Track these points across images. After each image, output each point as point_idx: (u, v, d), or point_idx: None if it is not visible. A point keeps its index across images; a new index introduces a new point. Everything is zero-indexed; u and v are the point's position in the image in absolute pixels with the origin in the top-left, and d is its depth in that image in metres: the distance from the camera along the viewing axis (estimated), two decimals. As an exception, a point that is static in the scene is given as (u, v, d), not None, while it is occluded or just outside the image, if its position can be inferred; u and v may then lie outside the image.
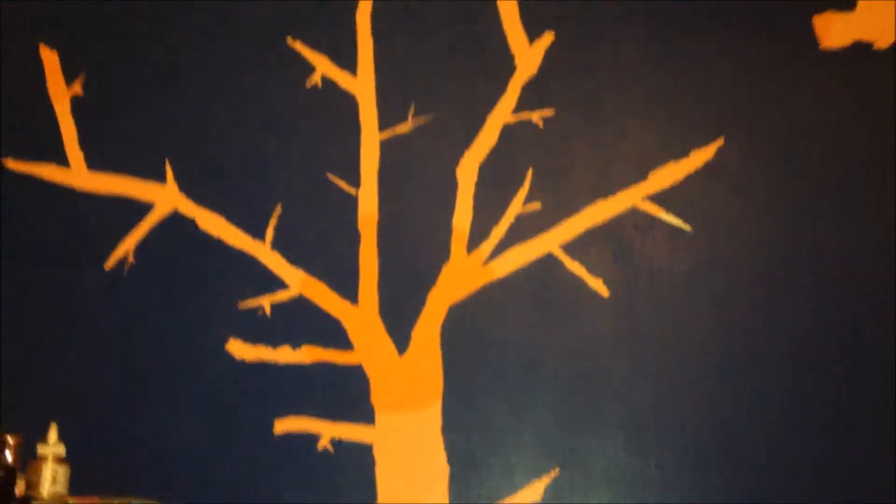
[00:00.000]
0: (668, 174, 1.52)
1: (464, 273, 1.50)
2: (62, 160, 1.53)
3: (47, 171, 1.53)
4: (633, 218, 1.52)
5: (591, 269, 1.50)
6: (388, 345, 1.48)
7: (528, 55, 1.58)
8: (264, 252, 1.51)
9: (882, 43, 1.54)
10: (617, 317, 1.48)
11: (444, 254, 1.51)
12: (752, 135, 1.52)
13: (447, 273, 1.50)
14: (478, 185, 1.54)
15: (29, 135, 1.53)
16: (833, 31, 1.55)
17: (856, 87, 1.52)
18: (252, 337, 1.48)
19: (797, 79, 1.53)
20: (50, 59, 1.56)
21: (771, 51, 1.54)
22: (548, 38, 1.58)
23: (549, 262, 1.51)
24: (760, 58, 1.54)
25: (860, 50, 1.54)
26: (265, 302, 1.49)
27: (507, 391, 1.46)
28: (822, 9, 1.55)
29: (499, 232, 1.52)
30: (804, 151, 1.51)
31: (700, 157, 1.53)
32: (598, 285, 1.50)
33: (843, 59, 1.53)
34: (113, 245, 1.51)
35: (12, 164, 1.53)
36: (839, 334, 1.44)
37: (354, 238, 1.51)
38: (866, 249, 1.47)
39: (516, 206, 1.53)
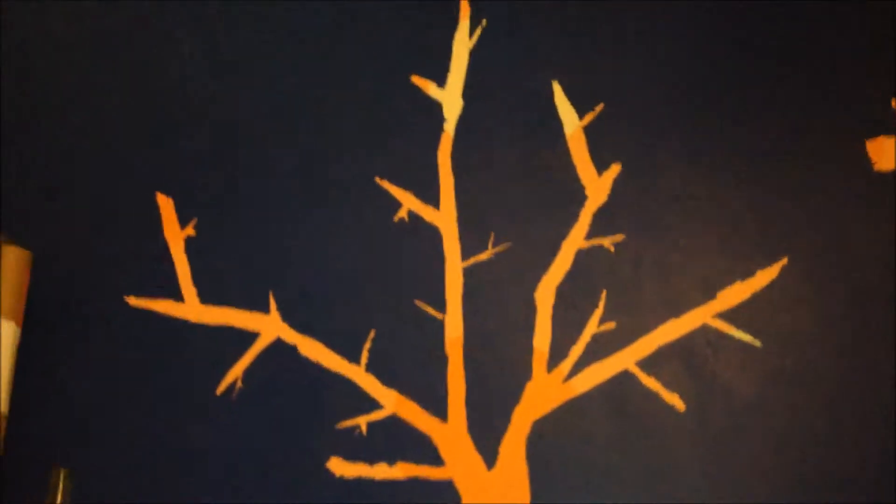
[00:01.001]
0: (736, 293, 1.61)
1: (545, 391, 1.59)
2: (178, 296, 1.68)
3: (164, 307, 1.68)
4: (705, 335, 1.60)
5: (667, 385, 1.58)
6: (477, 460, 1.57)
7: (597, 185, 1.70)
8: (360, 374, 1.62)
9: (933, 164, 1.64)
10: (694, 430, 1.55)
11: (526, 373, 1.61)
12: (814, 255, 1.61)
13: (530, 391, 1.60)
14: (555, 307, 1.65)
15: (148, 273, 1.69)
16: (886, 154, 1.65)
17: (910, 205, 1.62)
18: (351, 455, 1.58)
19: (850, 200, 1.63)
20: (166, 205, 1.74)
21: (826, 174, 1.64)
22: (615, 169, 1.71)
23: (625, 378, 1.59)
24: (814, 182, 1.64)
25: (912, 171, 1.64)
26: (362, 421, 1.60)
27: (582, 497, 1.53)
28: (873, 134, 1.66)
29: (577, 351, 1.62)
30: (860, 268, 1.59)
31: (765, 276, 1.62)
32: (674, 399, 1.57)
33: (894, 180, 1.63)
34: (223, 372, 1.64)
35: (133, 302, 1.69)
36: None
37: (442, 360, 1.62)
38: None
39: (592, 326, 1.63)
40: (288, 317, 1.66)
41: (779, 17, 1.72)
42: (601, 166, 1.72)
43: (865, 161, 1.64)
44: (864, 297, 1.58)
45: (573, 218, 1.69)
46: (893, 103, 1.66)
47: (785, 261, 1.61)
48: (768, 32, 1.72)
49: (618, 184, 1.70)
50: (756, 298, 1.61)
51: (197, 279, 1.69)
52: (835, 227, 1.61)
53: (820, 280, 1.59)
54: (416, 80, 1.78)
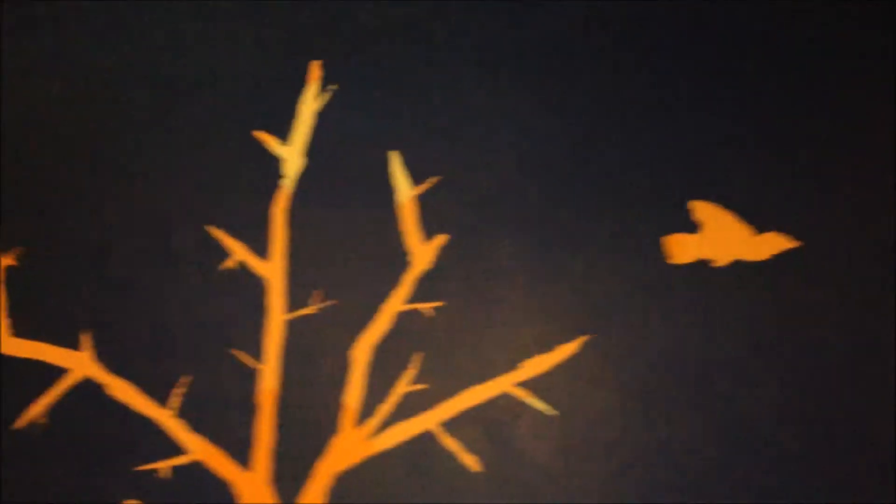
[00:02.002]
0: (537, 364, 1.73)
1: (350, 446, 1.65)
2: (-10, 325, 1.67)
3: (-25, 334, 1.67)
4: (506, 401, 1.70)
5: (466, 447, 1.67)
6: (277, 510, 1.61)
7: (423, 252, 1.80)
8: (168, 419, 1.65)
9: (721, 261, 1.81)
10: (488, 491, 1.64)
11: (334, 427, 1.67)
12: (612, 334, 1.74)
13: (335, 445, 1.65)
14: (370, 365, 1.72)
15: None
16: (683, 249, 1.82)
17: (699, 299, 1.77)
18: (149, 498, 1.59)
19: (649, 289, 1.78)
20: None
21: (627, 265, 1.79)
22: (441, 239, 1.81)
23: (427, 438, 1.67)
24: (618, 271, 1.79)
25: (703, 267, 1.80)
26: (164, 465, 1.62)
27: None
28: (671, 231, 1.82)
29: (385, 409, 1.69)
30: (654, 351, 1.73)
31: (566, 350, 1.74)
32: (471, 461, 1.66)
33: (688, 273, 1.79)
34: (26, 405, 1.63)
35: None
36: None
37: (254, 409, 1.66)
38: (716, 443, 1.67)
39: (402, 386, 1.71)
40: (101, 356, 1.67)
41: (600, 98, 1.88)
42: (428, 235, 1.81)
43: (660, 253, 1.80)
44: (655, 377, 1.71)
45: (396, 282, 1.77)
46: (689, 206, 1.83)
47: (586, 337, 1.74)
48: (586, 119, 1.88)
49: (442, 253, 1.80)
50: (556, 371, 1.72)
51: (14, 310, 1.68)
52: (633, 312, 1.75)
53: (617, 358, 1.72)
54: (259, 134, 1.84)
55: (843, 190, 1.87)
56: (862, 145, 1.90)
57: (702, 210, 1.85)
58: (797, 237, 1.82)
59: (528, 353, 1.73)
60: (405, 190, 1.84)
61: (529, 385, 1.71)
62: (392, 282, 1.78)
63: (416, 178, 1.85)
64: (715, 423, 1.68)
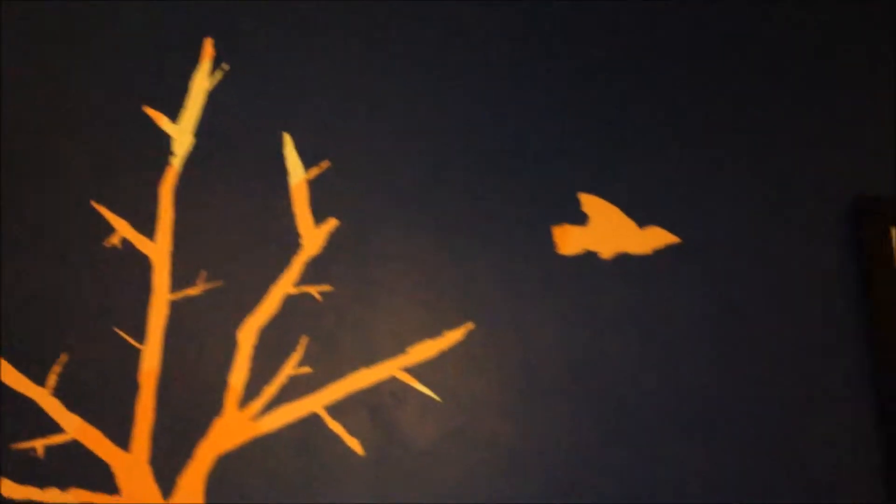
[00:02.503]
0: (424, 350, 1.75)
1: (234, 427, 1.65)
2: None
3: None
4: (391, 386, 1.72)
5: (350, 430, 1.68)
6: (154, 491, 1.59)
7: (313, 236, 1.80)
8: (44, 397, 1.61)
9: (606, 253, 1.87)
10: (371, 475, 1.66)
11: (217, 409, 1.66)
12: (499, 323, 1.78)
13: (218, 427, 1.64)
14: (256, 347, 1.71)
15: None
16: (569, 240, 1.87)
17: (582, 289, 1.83)
18: (22, 478, 1.55)
19: (537, 278, 1.82)
20: None
21: (515, 254, 1.83)
22: (332, 223, 1.81)
23: (312, 421, 1.68)
24: (506, 259, 1.83)
25: (590, 257, 1.85)
26: (38, 444, 1.58)
27: (261, 539, 1.59)
28: (560, 221, 1.87)
29: (270, 391, 1.68)
30: (538, 340, 1.78)
31: (452, 337, 1.77)
32: (354, 444, 1.67)
33: (575, 264, 1.84)
34: None
35: None
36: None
37: (134, 390, 1.64)
38: (593, 433, 1.72)
39: (288, 368, 1.70)
40: (-25, 331, 1.62)
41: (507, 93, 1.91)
42: (319, 219, 1.81)
43: (549, 244, 1.84)
44: (538, 367, 1.76)
45: (285, 265, 1.77)
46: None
47: (471, 325, 1.77)
48: (476, 107, 1.91)
49: (333, 237, 1.80)
50: (442, 357, 1.75)
51: None
52: (520, 301, 1.79)
53: (502, 346, 1.76)
54: (149, 110, 1.81)
55: (723, 187, 1.95)
56: (741, 143, 1.99)
57: (589, 203, 1.90)
58: (677, 233, 1.89)
59: (415, 339, 1.75)
60: (297, 173, 1.83)
61: (415, 371, 1.74)
62: (281, 265, 1.77)
63: (308, 161, 1.84)
64: (596, 413, 1.74)
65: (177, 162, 1.79)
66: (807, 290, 1.88)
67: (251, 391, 1.68)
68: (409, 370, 1.73)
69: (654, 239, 1.88)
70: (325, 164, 1.85)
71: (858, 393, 1.82)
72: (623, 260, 1.85)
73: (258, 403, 1.67)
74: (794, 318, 1.85)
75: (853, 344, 1.84)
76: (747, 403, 1.78)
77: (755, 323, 1.84)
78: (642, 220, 1.90)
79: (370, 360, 1.73)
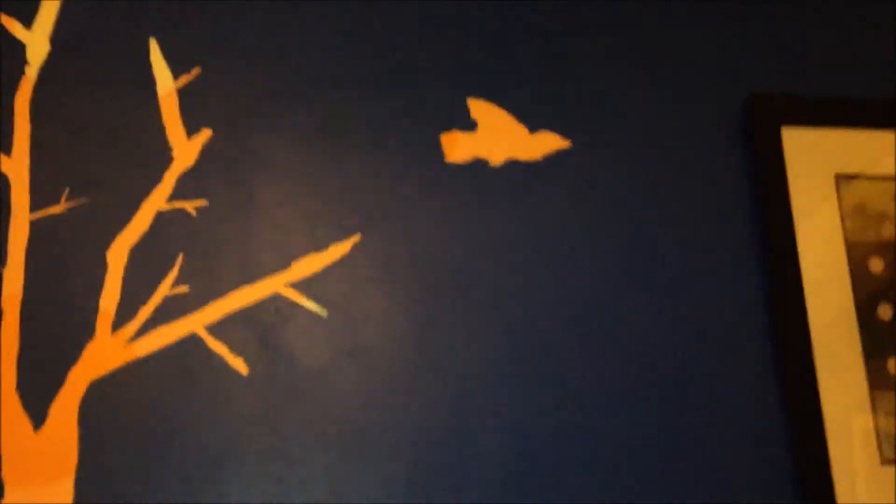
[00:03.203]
0: (310, 264, 1.68)
1: (107, 351, 1.56)
2: None
3: None
4: (275, 303, 1.65)
5: (233, 350, 1.61)
6: (24, 420, 1.50)
7: (186, 148, 1.69)
8: None
9: (495, 160, 1.82)
10: (256, 394, 1.60)
11: (89, 333, 1.56)
12: (387, 234, 1.72)
13: (90, 351, 1.55)
14: (128, 267, 1.61)
15: None
16: (458, 148, 1.80)
17: (472, 198, 1.77)
18: None
19: (426, 187, 1.76)
20: None
21: (403, 162, 1.76)
22: (206, 134, 1.71)
23: (192, 341, 1.60)
24: (394, 168, 1.76)
25: (479, 165, 1.80)
26: None
27: (141, 462, 1.52)
28: (448, 128, 1.80)
29: (145, 313, 1.60)
30: (426, 251, 1.73)
31: (338, 250, 1.70)
32: (238, 364, 1.61)
33: (464, 171, 1.79)
34: None
35: None
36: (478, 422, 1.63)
37: (-5, 315, 1.53)
38: (480, 341, 1.69)
39: (164, 288, 1.61)
40: None
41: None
42: (192, 130, 1.71)
43: (437, 151, 1.78)
44: (426, 278, 1.71)
45: (157, 179, 1.67)
46: (469, 102, 1.82)
47: (357, 237, 1.70)
48: (362, 8, 1.81)
49: (207, 149, 1.70)
50: (328, 271, 1.68)
51: None
52: (408, 211, 1.73)
53: (389, 258, 1.70)
54: (1, 17, 1.66)
55: (613, 88, 1.91)
56: (631, 43, 1.95)
57: (477, 108, 1.84)
58: (568, 136, 1.85)
59: (299, 253, 1.68)
60: (165, 81, 1.72)
61: (301, 286, 1.67)
62: (151, 179, 1.67)
63: (178, 68, 1.73)
64: (489, 325, 1.70)
65: (32, 72, 1.66)
66: (699, 192, 1.86)
67: (125, 314, 1.59)
68: (294, 285, 1.66)
69: (545, 144, 1.84)
70: (195, 72, 1.73)
71: (751, 288, 1.82)
72: (512, 166, 1.81)
73: (133, 326, 1.58)
74: (684, 220, 1.84)
75: (746, 248, 1.84)
76: (638, 307, 1.77)
77: (646, 225, 1.83)
78: (534, 126, 1.85)
79: (252, 276, 1.65)
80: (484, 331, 1.69)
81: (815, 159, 1.90)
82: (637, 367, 1.73)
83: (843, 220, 1.87)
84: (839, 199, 1.89)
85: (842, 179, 1.91)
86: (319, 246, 1.69)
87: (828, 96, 1.95)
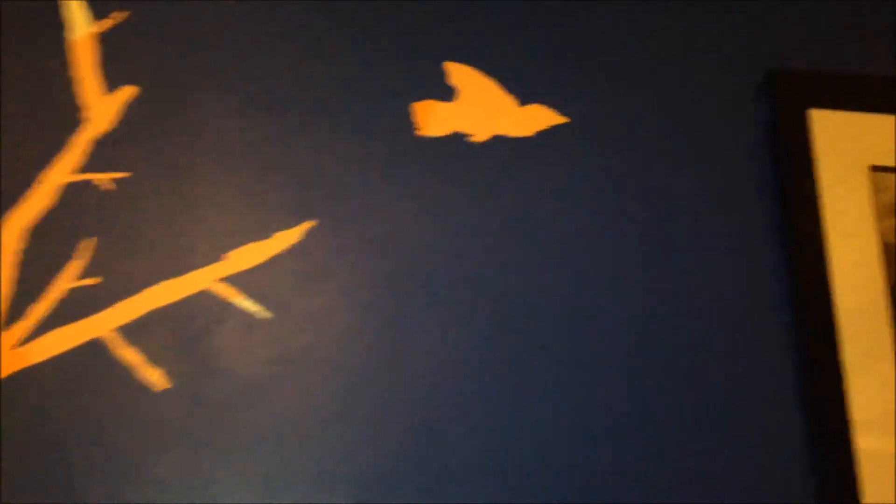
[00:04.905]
0: (249, 255, 1.38)
1: (-10, 357, 1.25)
2: None
3: None
4: (205, 301, 1.35)
5: (151, 358, 1.31)
6: None
7: (102, 108, 1.39)
8: None
9: (479, 136, 1.52)
10: (179, 411, 1.30)
11: (-32, 333, 1.26)
12: (344, 220, 1.43)
13: (-31, 357, 1.25)
14: (24, 253, 1.31)
15: None
16: (432, 119, 1.51)
17: (450, 179, 1.48)
18: None
19: (395, 166, 1.47)
20: None
21: (366, 134, 1.47)
22: (128, 91, 1.40)
23: (100, 347, 1.30)
24: (356, 139, 1.46)
25: (458, 140, 1.51)
26: None
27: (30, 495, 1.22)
28: (422, 96, 1.51)
29: (40, 310, 1.29)
30: (388, 239, 1.44)
31: (286, 238, 1.40)
32: (156, 376, 1.31)
33: (440, 147, 1.49)
34: None
35: None
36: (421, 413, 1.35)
37: None
38: (445, 336, 1.40)
39: (67, 280, 1.31)
40: None
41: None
42: (112, 85, 1.40)
43: (408, 123, 1.49)
44: (387, 269, 1.42)
45: (62, 145, 1.36)
46: (445, 68, 1.52)
47: (310, 224, 1.41)
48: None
49: (130, 110, 1.40)
50: (272, 264, 1.39)
51: None
52: (370, 193, 1.44)
53: (345, 248, 1.41)
54: None
55: (618, 59, 1.62)
56: (639, 10, 1.66)
57: (458, 74, 1.55)
58: (564, 112, 1.57)
59: (237, 242, 1.39)
60: (80, 25, 1.41)
61: (237, 281, 1.37)
62: (56, 144, 1.36)
63: (98, 10, 1.42)
64: (459, 324, 1.41)
65: None
66: (713, 178, 1.59)
67: (16, 310, 1.29)
68: (229, 280, 1.36)
69: (537, 119, 1.55)
70: (118, 16, 1.43)
71: (772, 273, 1.55)
72: (498, 143, 1.52)
73: (24, 325, 1.28)
74: (698, 210, 1.56)
75: (769, 232, 1.57)
76: (646, 309, 1.49)
77: (652, 216, 1.55)
78: (525, 98, 1.56)
79: (178, 268, 1.36)
80: (460, 335, 1.41)
81: (846, 147, 1.63)
82: (645, 370, 1.45)
83: (877, 219, 1.61)
84: (873, 194, 1.62)
85: (877, 173, 1.65)
86: (262, 233, 1.40)
87: (859, 74, 1.68)
